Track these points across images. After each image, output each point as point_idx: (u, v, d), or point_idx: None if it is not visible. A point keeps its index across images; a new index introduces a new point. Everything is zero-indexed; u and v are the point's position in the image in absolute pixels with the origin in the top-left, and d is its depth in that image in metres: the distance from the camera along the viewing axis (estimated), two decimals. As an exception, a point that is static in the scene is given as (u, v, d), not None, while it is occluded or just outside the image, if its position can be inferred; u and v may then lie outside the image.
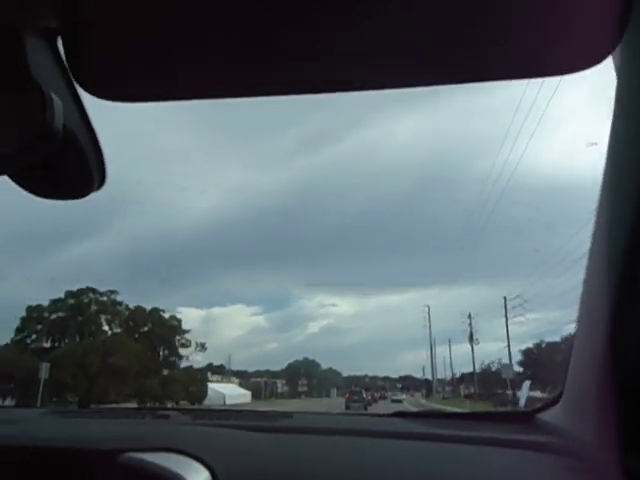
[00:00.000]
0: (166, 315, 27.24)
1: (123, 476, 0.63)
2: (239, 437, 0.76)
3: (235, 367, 47.08)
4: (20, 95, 0.39)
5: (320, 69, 0.38)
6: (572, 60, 0.37)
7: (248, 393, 32.35)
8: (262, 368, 54.54)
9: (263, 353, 64.87)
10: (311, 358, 60.68)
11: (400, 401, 34.96)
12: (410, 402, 32.68)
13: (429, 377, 50.87)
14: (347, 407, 19.75)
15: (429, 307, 38.25)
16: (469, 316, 28.74)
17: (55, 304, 24.79)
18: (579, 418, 0.67)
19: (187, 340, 28.87)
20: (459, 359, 59.91)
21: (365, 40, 0.36)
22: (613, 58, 0.45)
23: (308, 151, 68.99)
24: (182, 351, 27.47)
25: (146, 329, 26.32)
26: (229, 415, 1.20)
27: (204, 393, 24.96)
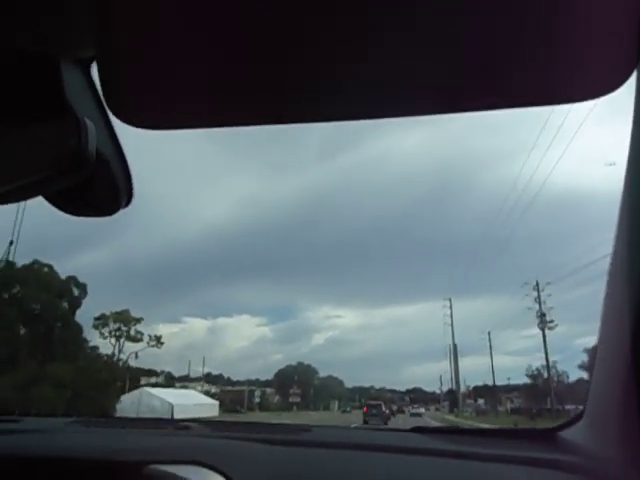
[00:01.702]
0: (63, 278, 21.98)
1: None
2: (258, 450, 0.89)
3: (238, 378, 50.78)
4: (56, 121, 0.47)
5: (334, 99, 0.45)
6: (592, 85, 0.42)
7: (214, 403, 30.96)
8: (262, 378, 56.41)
9: (268, 364, 69.80)
10: (306, 363, 60.26)
11: (420, 415, 37.86)
12: (433, 418, 32.47)
13: (442, 389, 53.70)
14: (365, 422, 20.31)
15: (451, 304, 40.96)
16: (536, 285, 27.06)
17: None
18: (602, 436, 0.74)
19: (139, 332, 27.58)
20: (470, 372, 64.90)
21: (374, 71, 0.42)
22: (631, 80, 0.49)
23: (317, 162, 76.99)
24: (132, 345, 26.11)
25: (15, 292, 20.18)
26: (249, 428, 1.39)
27: (113, 399, 20.24)
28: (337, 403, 59.65)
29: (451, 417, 32.78)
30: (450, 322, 42.27)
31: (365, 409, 25.58)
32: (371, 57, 0.41)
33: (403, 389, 67.96)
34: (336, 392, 62.33)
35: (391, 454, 0.89)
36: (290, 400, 51.19)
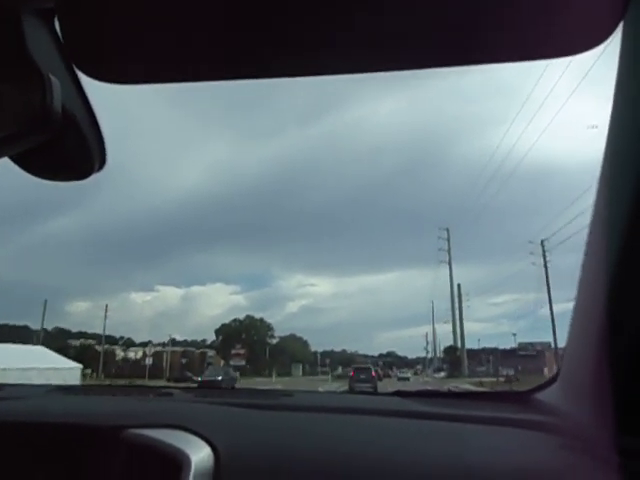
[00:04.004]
0: None
1: (127, 452, 0.91)
2: (240, 414, 1.12)
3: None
4: (19, 78, 0.53)
5: (313, 53, 0.52)
6: (572, 42, 0.51)
7: (73, 367, 28.70)
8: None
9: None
10: (258, 317, 60.02)
11: (407, 379, 42.94)
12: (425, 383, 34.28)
13: (429, 349, 62.24)
14: (351, 388, 20.47)
15: (449, 235, 47.96)
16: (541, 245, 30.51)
17: None
18: (575, 397, 0.94)
19: None
20: (441, 339, 74.85)
21: (358, 24, 0.49)
22: (614, 39, 0.58)
23: (291, 130, 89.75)
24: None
25: None
26: (231, 393, 1.77)
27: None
28: (301, 368, 59.81)
29: (466, 384, 29.06)
30: (448, 259, 44.39)
31: (351, 373, 26.16)
32: (353, 10, 0.48)
33: (376, 354, 76.93)
34: (299, 354, 61.73)
35: (373, 416, 1.12)
36: (231, 363, 50.62)
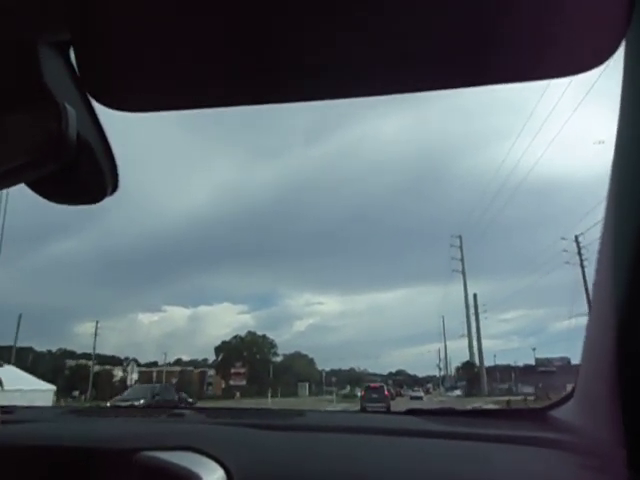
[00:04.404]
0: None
1: (140, 475, 0.92)
2: (252, 435, 1.13)
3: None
4: (36, 107, 0.57)
5: (320, 77, 0.55)
6: (577, 61, 0.53)
7: (45, 389, 27.01)
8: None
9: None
10: (259, 333, 56.96)
11: (420, 398, 42.01)
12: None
13: (441, 366, 61.34)
14: (363, 409, 19.42)
15: (461, 242, 47.61)
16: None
17: None
18: (591, 415, 0.96)
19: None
20: (452, 356, 77.26)
21: (360, 49, 0.52)
22: (619, 56, 0.60)
23: (296, 150, 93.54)
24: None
25: None
26: (243, 414, 1.71)
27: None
28: (307, 388, 56.37)
29: (490, 405, 21.91)
30: (462, 268, 42.10)
31: (362, 393, 25.55)
32: (354, 35, 0.50)
33: (385, 372, 77.58)
34: (304, 373, 58.29)
35: (387, 436, 1.13)
36: (231, 383, 47.43)
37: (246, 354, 54.78)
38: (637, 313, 0.71)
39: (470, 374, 48.07)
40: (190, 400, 32.29)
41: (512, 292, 53.69)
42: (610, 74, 0.73)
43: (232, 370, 50.36)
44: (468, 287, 49.49)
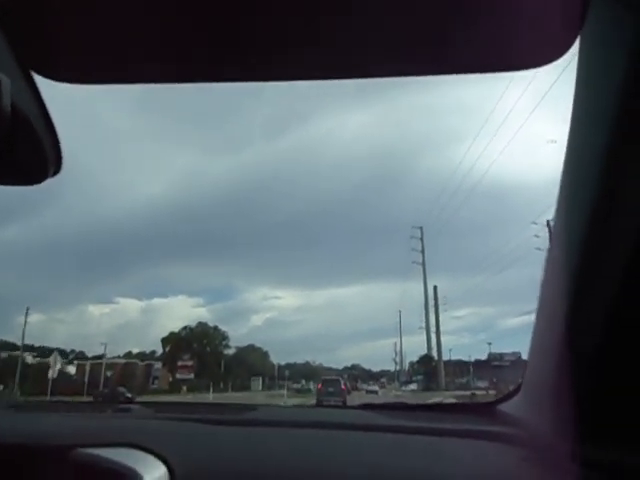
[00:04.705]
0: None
1: (76, 473, 0.89)
2: (200, 431, 1.11)
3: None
4: None
5: (282, 56, 0.54)
6: (531, 56, 0.57)
7: None
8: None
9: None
10: (211, 324, 54.20)
11: (376, 392, 42.00)
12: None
13: (397, 360, 61.50)
14: (319, 402, 19.04)
15: (422, 233, 47.22)
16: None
17: None
18: (537, 409, 1.00)
19: None
20: (407, 352, 79.19)
21: (327, 30, 0.52)
22: (572, 55, 0.65)
23: (257, 141, 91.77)
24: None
25: None
26: (193, 408, 1.72)
27: None
28: (261, 382, 54.10)
29: (451, 399, 22.50)
30: (422, 260, 41.37)
31: (319, 386, 25.01)
32: (321, 15, 0.50)
33: (341, 367, 76.78)
34: (258, 367, 56.00)
35: (339, 431, 1.14)
36: (178, 376, 44.63)
37: (196, 346, 52.20)
38: (581, 309, 0.74)
39: (428, 367, 47.57)
40: (129, 395, 29.84)
41: (464, 290, 54.51)
42: (564, 75, 0.75)
43: (179, 363, 47.48)
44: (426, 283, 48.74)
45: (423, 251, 48.44)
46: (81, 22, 0.49)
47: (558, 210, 0.80)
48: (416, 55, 0.56)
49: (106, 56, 0.54)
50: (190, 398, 30.57)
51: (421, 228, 49.15)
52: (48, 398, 25.93)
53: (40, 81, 0.55)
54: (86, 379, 39.74)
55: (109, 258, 76.61)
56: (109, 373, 44.30)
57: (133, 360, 51.93)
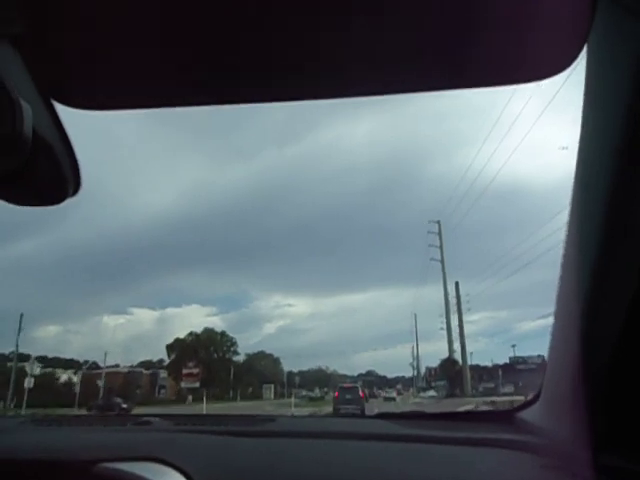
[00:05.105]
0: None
1: None
2: (221, 443, 1.13)
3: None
4: None
5: (298, 78, 0.57)
6: (538, 68, 0.59)
7: None
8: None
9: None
10: (219, 330, 51.40)
11: (393, 399, 41.27)
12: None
13: (414, 365, 59.65)
14: (336, 411, 19.58)
15: (440, 227, 44.35)
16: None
17: None
18: (556, 416, 1.01)
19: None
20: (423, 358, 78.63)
21: (333, 52, 0.54)
22: (581, 65, 0.67)
23: (268, 151, 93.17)
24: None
25: None
26: (212, 420, 1.68)
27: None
28: (272, 390, 51.19)
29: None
30: (440, 256, 38.29)
31: (336, 394, 24.18)
32: (326, 37, 0.52)
33: (355, 373, 76.49)
34: (269, 374, 53.17)
35: (357, 441, 1.16)
36: (182, 385, 42.04)
37: (202, 353, 49.59)
38: (599, 315, 0.74)
39: (451, 372, 43.94)
40: (124, 406, 27.23)
41: (475, 294, 51.89)
42: (573, 82, 0.76)
43: (184, 371, 44.87)
44: (435, 288, 46.30)
45: (441, 247, 46.32)
46: (99, 52, 0.52)
47: (571, 214, 0.80)
48: (424, 71, 0.57)
49: (122, 85, 0.57)
50: (190, 410, 27.99)
51: (439, 222, 46.46)
52: (23, 410, 23.68)
53: (59, 107, 0.59)
54: (77, 389, 37.71)
55: (123, 269, 78.84)
56: (100, 382, 41.92)
57: (137, 369, 49.83)
